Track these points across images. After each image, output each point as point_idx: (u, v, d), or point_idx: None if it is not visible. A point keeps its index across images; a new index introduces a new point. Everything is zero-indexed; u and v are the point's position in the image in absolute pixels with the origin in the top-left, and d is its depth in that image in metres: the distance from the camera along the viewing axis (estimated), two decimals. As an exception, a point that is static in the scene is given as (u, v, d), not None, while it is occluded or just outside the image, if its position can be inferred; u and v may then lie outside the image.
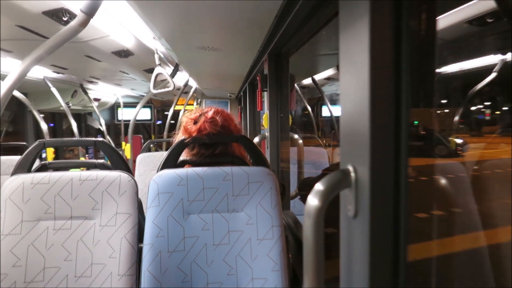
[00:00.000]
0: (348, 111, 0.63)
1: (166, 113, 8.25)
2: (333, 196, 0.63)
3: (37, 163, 1.32)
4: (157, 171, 1.17)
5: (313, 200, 0.63)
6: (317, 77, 3.48)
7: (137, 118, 3.68)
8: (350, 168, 0.62)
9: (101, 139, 1.33)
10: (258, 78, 1.93)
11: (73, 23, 1.09)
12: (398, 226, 0.58)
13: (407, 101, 0.55)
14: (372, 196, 0.57)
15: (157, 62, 2.04)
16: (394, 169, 0.57)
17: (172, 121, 4.83)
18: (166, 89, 2.20)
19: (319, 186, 0.64)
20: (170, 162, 1.21)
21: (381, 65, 0.55)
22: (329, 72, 3.22)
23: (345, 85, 0.64)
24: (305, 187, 1.60)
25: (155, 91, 2.12)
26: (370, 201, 0.57)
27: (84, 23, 1.10)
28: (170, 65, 2.76)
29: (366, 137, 0.56)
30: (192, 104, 6.39)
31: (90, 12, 1.08)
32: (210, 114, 1.24)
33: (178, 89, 3.82)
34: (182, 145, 1.21)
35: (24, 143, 2.98)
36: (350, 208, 0.64)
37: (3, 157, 2.49)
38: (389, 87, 0.55)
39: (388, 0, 0.55)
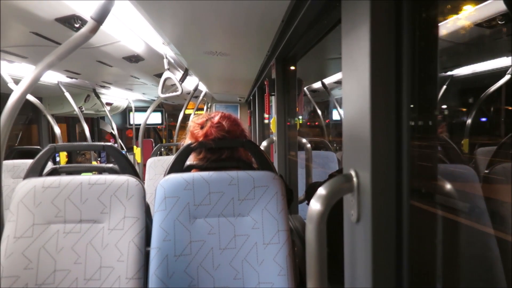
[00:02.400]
0: (350, 115, 0.64)
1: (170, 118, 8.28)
2: (335, 200, 0.63)
3: (49, 166, 1.35)
4: (164, 175, 1.19)
5: (315, 205, 0.63)
6: (327, 80, 3.47)
7: (148, 122, 3.73)
8: (352, 172, 0.63)
9: (109, 143, 1.35)
10: (265, 83, 1.94)
11: (83, 29, 1.12)
12: (401, 230, 0.58)
13: (408, 106, 0.55)
14: (373, 201, 0.57)
15: (166, 66, 2.07)
16: (395, 174, 0.57)
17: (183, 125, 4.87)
18: (174, 94, 2.23)
19: (321, 191, 0.64)
20: (177, 167, 1.23)
21: (382, 69, 0.55)
22: (339, 75, 3.21)
23: (347, 90, 0.64)
24: (313, 192, 1.60)
25: (163, 95, 2.15)
26: (372, 206, 0.57)
27: (94, 30, 1.12)
28: (180, 70, 2.80)
29: (367, 141, 0.56)
30: (202, 109, 6.44)
31: (99, 19, 1.10)
32: (216, 119, 1.25)
33: (188, 93, 3.86)
34: (188, 150, 1.23)
35: (38, 147, 3.05)
36: (353, 213, 0.63)
37: (18, 161, 2.55)
38: (389, 92, 0.55)
39: (389, 5, 0.55)
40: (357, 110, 0.60)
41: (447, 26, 1.50)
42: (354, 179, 0.62)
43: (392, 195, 0.57)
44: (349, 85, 0.63)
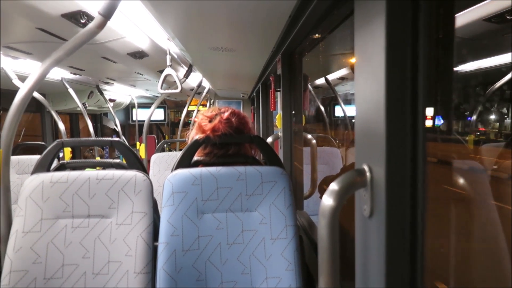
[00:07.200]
0: (363, 110, 0.63)
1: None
2: (348, 195, 0.63)
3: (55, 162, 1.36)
4: (172, 170, 1.19)
5: (328, 200, 0.63)
6: (330, 77, 3.46)
7: (151, 118, 3.74)
8: (366, 167, 0.62)
9: (117, 139, 1.35)
10: (271, 79, 1.94)
11: (91, 25, 1.11)
12: (415, 226, 0.58)
13: (423, 100, 0.55)
14: (388, 195, 0.57)
15: (168, 63, 2.07)
16: (411, 169, 0.56)
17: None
18: (174, 91, 2.24)
19: (334, 186, 0.64)
20: (185, 162, 1.23)
21: (398, 64, 0.55)
22: (343, 72, 3.20)
23: (361, 84, 0.64)
24: (327, 185, 1.60)
25: (161, 91, 2.15)
26: (386, 200, 0.57)
27: (101, 25, 1.12)
28: (184, 66, 2.79)
29: (382, 136, 0.56)
30: (205, 105, 6.44)
31: (107, 14, 1.10)
32: (226, 115, 1.24)
33: (191, 89, 3.85)
34: (196, 145, 1.23)
35: (43, 143, 3.05)
36: (366, 208, 0.63)
37: (23, 157, 2.56)
38: (405, 87, 0.55)
39: (405, -1, 0.55)
40: (371, 105, 0.59)
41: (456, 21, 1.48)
42: (368, 173, 0.61)
43: (407, 189, 0.57)
44: (363, 79, 0.62)
